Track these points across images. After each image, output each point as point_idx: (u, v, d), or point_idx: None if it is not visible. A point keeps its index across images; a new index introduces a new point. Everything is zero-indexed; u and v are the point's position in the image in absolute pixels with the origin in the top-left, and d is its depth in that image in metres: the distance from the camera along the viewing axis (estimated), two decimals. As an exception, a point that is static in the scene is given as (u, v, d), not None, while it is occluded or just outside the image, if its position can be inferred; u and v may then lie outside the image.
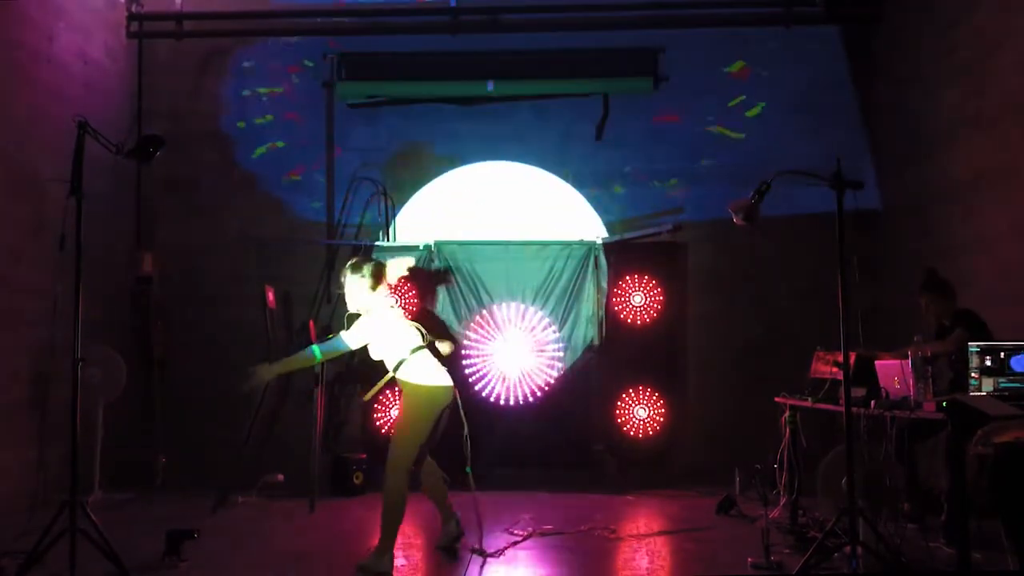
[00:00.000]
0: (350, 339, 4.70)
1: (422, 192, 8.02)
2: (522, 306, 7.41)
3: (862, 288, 5.93)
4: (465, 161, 8.00)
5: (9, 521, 5.09)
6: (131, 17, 7.99)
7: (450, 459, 5.02)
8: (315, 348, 4.73)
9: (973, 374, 4.48)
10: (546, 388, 7.32)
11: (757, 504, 5.37)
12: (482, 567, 4.64)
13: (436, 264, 7.50)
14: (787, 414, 5.48)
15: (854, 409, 4.41)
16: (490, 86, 7.86)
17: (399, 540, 4.72)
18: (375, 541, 4.61)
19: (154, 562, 4.56)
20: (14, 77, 6.34)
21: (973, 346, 4.52)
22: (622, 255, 7.48)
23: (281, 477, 7.08)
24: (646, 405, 7.30)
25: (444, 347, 4.95)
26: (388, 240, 7.80)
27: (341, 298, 4.75)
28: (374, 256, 7.39)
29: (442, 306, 7.48)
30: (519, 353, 7.35)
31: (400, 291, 7.28)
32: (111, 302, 7.29)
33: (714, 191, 7.48)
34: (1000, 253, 5.95)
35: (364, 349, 4.78)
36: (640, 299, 7.38)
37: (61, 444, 5.36)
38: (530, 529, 5.50)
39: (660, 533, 5.60)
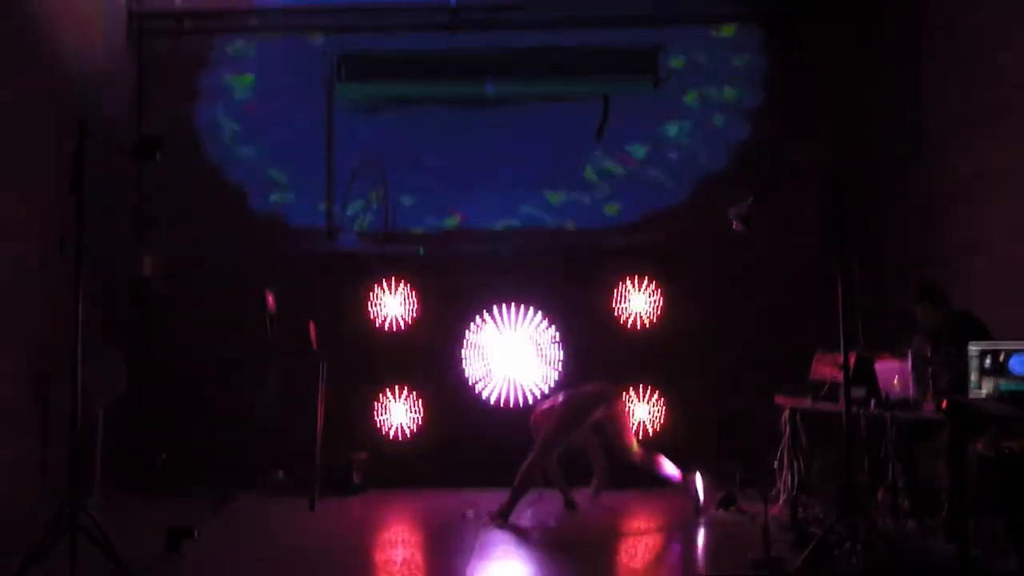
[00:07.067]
0: None
1: (422, 191, 8.02)
2: (522, 306, 7.40)
3: (862, 288, 5.94)
4: (465, 159, 8.00)
5: (9, 521, 5.08)
6: (131, 16, 7.99)
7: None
8: None
9: (973, 375, 4.46)
10: (546, 388, 7.31)
11: (758, 501, 5.36)
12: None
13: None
14: (787, 414, 5.49)
15: (854, 409, 4.42)
16: (490, 86, 7.85)
17: (396, 537, 4.82)
18: (375, 539, 4.63)
19: (154, 562, 4.56)
20: (14, 77, 6.33)
21: (973, 347, 4.51)
22: (622, 256, 7.47)
23: (281, 474, 7.07)
24: (646, 405, 7.29)
25: None
26: (388, 241, 7.79)
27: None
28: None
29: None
30: (519, 354, 7.34)
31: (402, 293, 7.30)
32: (111, 302, 7.28)
33: (714, 191, 7.46)
34: (1000, 253, 5.95)
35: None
36: (640, 300, 7.37)
37: (61, 444, 5.35)
38: (530, 528, 5.50)
39: (659, 532, 5.60)
